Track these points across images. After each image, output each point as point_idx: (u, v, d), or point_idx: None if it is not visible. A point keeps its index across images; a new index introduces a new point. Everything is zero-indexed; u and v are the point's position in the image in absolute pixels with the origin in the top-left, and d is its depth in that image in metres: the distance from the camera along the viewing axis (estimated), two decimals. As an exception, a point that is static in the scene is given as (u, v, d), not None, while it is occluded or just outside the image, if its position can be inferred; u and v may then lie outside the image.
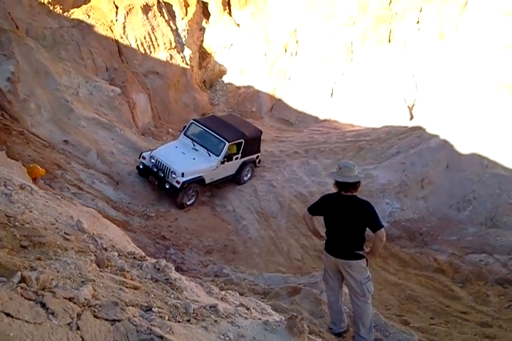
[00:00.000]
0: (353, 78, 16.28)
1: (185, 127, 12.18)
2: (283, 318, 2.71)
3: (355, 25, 16.43)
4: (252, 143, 12.24)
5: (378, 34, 16.22)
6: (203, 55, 19.03)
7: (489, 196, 10.16)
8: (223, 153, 11.46)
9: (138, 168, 11.58)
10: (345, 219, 4.44)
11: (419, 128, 12.86)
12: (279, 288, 6.20)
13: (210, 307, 2.38)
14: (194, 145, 11.63)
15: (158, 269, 2.70)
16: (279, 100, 17.12)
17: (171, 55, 16.92)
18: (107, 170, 11.94)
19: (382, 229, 4.36)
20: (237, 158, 11.90)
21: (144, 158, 11.34)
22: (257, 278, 7.11)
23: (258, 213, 11.34)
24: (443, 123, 12.20)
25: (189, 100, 17.11)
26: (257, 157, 12.78)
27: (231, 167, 11.91)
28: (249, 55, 18.13)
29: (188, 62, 17.50)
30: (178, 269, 8.41)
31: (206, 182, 11.48)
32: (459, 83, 13.34)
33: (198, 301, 2.52)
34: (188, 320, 2.19)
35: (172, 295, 2.41)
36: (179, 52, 17.24)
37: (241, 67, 18.40)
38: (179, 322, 2.13)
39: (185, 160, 11.16)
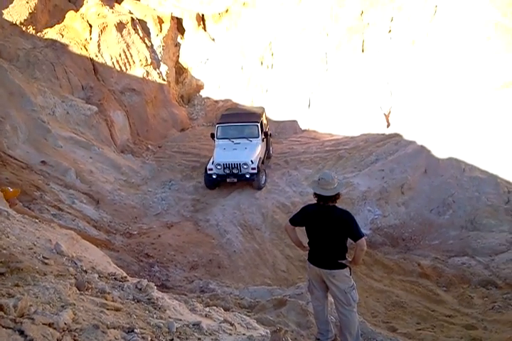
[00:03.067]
0: (329, 88, 16.49)
1: (213, 134, 13.32)
2: (268, 332, 2.71)
3: (329, 35, 16.71)
4: (262, 120, 13.90)
5: (351, 44, 16.51)
6: (180, 71, 19.11)
7: (468, 199, 10.33)
8: (260, 133, 13.15)
9: (210, 180, 12.63)
10: (326, 229, 4.47)
11: (396, 135, 13.07)
12: (265, 301, 6.18)
13: (194, 325, 2.37)
14: (233, 141, 13.00)
15: (140, 289, 2.68)
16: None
17: (147, 72, 16.96)
18: (86, 190, 11.82)
19: (363, 238, 4.41)
20: (264, 134, 13.46)
21: (211, 169, 12.47)
22: (242, 291, 7.08)
23: (242, 226, 11.31)
24: (419, 129, 12.42)
25: (167, 115, 17.12)
26: (268, 129, 14.48)
27: (264, 143, 13.54)
28: (226, 69, 18.26)
29: (165, 77, 17.56)
30: (163, 286, 8.36)
31: (263, 161, 13.11)
32: (433, 89, 13.62)
33: (181, 319, 2.51)
34: (172, 340, 2.18)
35: (155, 315, 2.40)
36: (155, 69, 17.29)
37: (218, 81, 18.51)
38: (162, 342, 2.12)
39: (242, 152, 12.61)
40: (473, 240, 9.59)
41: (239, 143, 12.96)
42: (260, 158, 12.81)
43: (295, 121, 16.81)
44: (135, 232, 10.87)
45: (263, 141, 13.34)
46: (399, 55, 15.48)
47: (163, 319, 2.41)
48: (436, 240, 9.90)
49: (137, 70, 16.76)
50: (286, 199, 12.11)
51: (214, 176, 12.40)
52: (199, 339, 2.25)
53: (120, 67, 16.37)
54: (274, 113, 16.78)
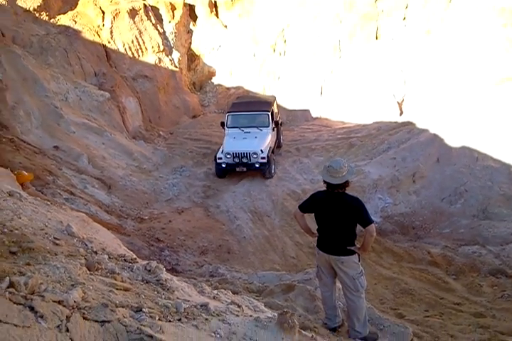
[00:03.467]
0: (342, 76, 16.34)
1: (223, 123, 13.30)
2: (275, 315, 2.74)
3: (342, 23, 16.50)
4: (273, 109, 13.84)
5: (365, 31, 16.30)
6: (192, 57, 19.07)
7: (480, 188, 10.24)
8: (271, 122, 13.07)
9: (219, 168, 12.61)
10: (335, 216, 4.47)
11: (408, 123, 12.96)
12: (273, 286, 6.22)
13: (201, 306, 2.41)
14: (243, 130, 12.96)
15: (149, 270, 2.72)
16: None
17: (159, 58, 16.95)
18: (98, 175, 11.94)
19: (372, 225, 4.40)
20: (274, 123, 13.40)
21: (220, 158, 12.43)
22: (251, 276, 7.14)
23: (252, 212, 11.36)
24: (432, 117, 12.29)
25: (179, 102, 17.13)
26: (279, 118, 14.50)
27: (275, 132, 13.51)
28: (238, 56, 18.16)
29: (177, 64, 17.53)
30: (172, 270, 8.46)
31: (273, 150, 13.05)
32: (447, 77, 13.42)
33: (189, 300, 2.55)
34: (179, 319, 2.22)
35: (163, 296, 2.44)
36: (167, 55, 17.27)
37: (230, 68, 18.44)
38: (170, 321, 2.16)
39: (252, 141, 12.52)
40: (485, 229, 9.53)
41: (249, 132, 12.88)
42: (270, 147, 12.73)
43: (307, 109, 16.71)
44: (146, 217, 10.98)
45: (273, 130, 13.26)
46: (413, 43, 15.25)
47: (171, 299, 2.45)
48: (447, 229, 9.86)
49: (149, 57, 16.76)
50: (297, 187, 12.12)
51: (223, 165, 12.38)
52: (206, 319, 2.29)
53: (132, 53, 16.38)
54: (286, 100, 16.70)
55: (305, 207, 4.75)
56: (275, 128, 13.37)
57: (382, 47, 15.82)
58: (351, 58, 16.35)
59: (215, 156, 12.59)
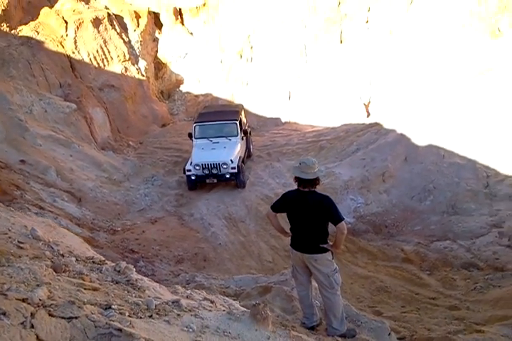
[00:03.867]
0: (309, 80, 16.54)
1: (190, 134, 13.07)
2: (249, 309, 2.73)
3: (307, 27, 16.74)
4: (241, 117, 13.65)
5: (330, 35, 16.58)
6: (159, 66, 18.99)
7: (448, 185, 10.48)
8: (239, 131, 12.87)
9: (190, 181, 12.29)
10: (306, 215, 4.50)
11: (376, 124, 13.19)
12: (250, 289, 6.19)
13: (173, 302, 2.37)
14: (211, 140, 12.74)
15: (119, 271, 2.67)
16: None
17: (125, 68, 16.81)
18: (67, 188, 11.68)
19: (343, 222, 4.44)
20: (243, 132, 13.19)
21: (189, 170, 12.12)
22: (227, 281, 7.10)
23: (226, 219, 11.31)
24: (398, 117, 12.55)
25: (147, 111, 17.00)
26: (248, 127, 14.28)
27: (244, 142, 13.34)
28: (205, 63, 18.19)
29: (144, 73, 17.42)
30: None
31: (243, 160, 12.79)
32: (411, 78, 13.76)
33: (160, 298, 2.51)
34: (150, 316, 2.18)
35: (133, 294, 2.39)
36: (134, 64, 17.14)
37: (198, 75, 18.44)
38: (141, 318, 2.12)
39: (221, 152, 12.26)
40: (455, 224, 9.74)
41: (218, 143, 12.60)
42: (240, 156, 12.48)
43: (276, 114, 16.82)
44: (119, 229, 10.79)
45: (242, 139, 13.05)
46: (377, 44, 15.60)
47: (142, 298, 2.41)
48: (419, 226, 10.04)
49: (115, 66, 16.61)
50: (270, 191, 12.13)
51: (193, 177, 12.07)
52: (178, 315, 2.26)
53: (98, 63, 16.20)
54: (255, 106, 16.78)
55: (277, 207, 4.77)
56: (244, 138, 13.20)
57: (347, 50, 16.12)
58: (317, 62, 16.58)
59: (184, 168, 12.29)
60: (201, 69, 18.23)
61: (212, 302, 2.64)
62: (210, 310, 2.44)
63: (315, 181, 4.48)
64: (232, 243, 10.49)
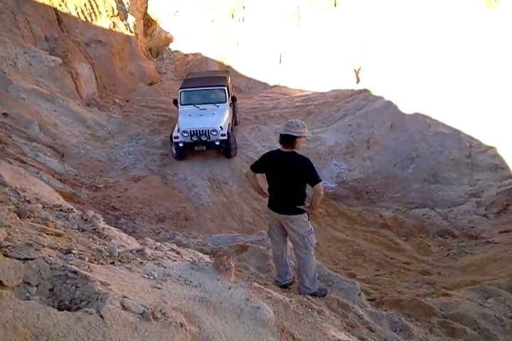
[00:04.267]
0: (300, 43, 16.23)
1: (175, 100, 12.58)
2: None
3: (302, -11, 16.26)
4: (228, 83, 13.21)
5: (324, -2, 16.15)
6: (148, 23, 18.46)
7: (431, 153, 10.54)
8: (228, 97, 12.49)
9: (177, 148, 11.85)
10: (285, 175, 4.52)
11: (364, 90, 13.08)
12: (227, 247, 6.30)
13: (137, 251, 2.39)
14: (198, 107, 12.31)
15: (86, 220, 2.67)
16: (228, 67, 16.89)
17: (113, 23, 16.30)
18: (50, 143, 11.55)
19: (320, 184, 4.46)
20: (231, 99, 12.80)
21: (177, 137, 11.69)
22: (205, 239, 7.19)
23: (210, 180, 11.34)
24: (387, 85, 12.44)
25: (135, 69, 16.64)
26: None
27: (231, 109, 12.83)
28: (196, 22, 17.70)
29: (132, 29, 16.92)
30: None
31: (231, 128, 12.39)
32: (402, 45, 13.54)
33: (125, 247, 2.52)
34: (112, 263, 2.20)
35: (98, 242, 2.40)
36: (122, 20, 16.62)
37: (188, 34, 17.98)
38: (102, 264, 2.13)
39: (210, 118, 11.88)
40: (434, 192, 9.87)
41: (205, 109, 12.20)
42: (229, 124, 12.21)
43: (266, 77, 16.57)
44: (101, 186, 10.77)
45: (231, 106, 12.68)
46: (371, 10, 15.23)
47: (106, 246, 2.42)
48: (399, 193, 10.16)
49: (103, 21, 16.09)
50: (255, 154, 12.08)
51: (181, 144, 11.66)
52: (141, 263, 2.28)
53: (85, 17, 15.67)
54: (245, 68, 16.50)
55: (257, 167, 4.79)
56: (232, 104, 12.82)
57: (341, 14, 15.77)
58: (310, 25, 16.22)
59: (171, 136, 11.88)
60: (192, 28, 17.76)
61: (178, 253, 2.66)
62: (174, 260, 2.47)
63: (296, 141, 4.48)
64: (215, 203, 10.56)
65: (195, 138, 11.61)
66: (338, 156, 11.19)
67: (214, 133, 11.55)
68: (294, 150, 4.55)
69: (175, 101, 12.61)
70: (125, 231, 9.08)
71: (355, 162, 10.98)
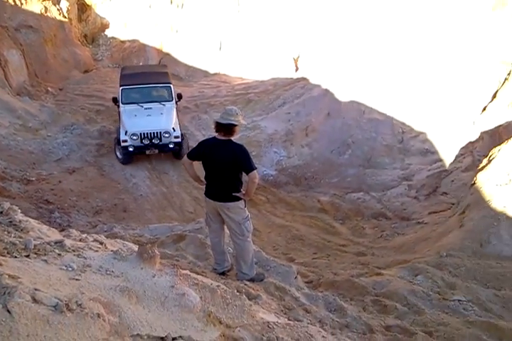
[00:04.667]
0: (240, 30, 16.15)
1: (115, 98, 11.59)
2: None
3: (240, -25, 16.13)
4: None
5: (263, -15, 16.09)
6: (83, 8, 17.69)
7: (366, 140, 10.93)
8: (174, 95, 11.63)
9: (127, 153, 10.87)
10: (221, 163, 4.55)
11: (303, 79, 13.27)
12: (164, 237, 6.25)
13: (56, 242, 2.32)
14: (142, 106, 11.33)
15: (1, 212, 2.56)
16: (167, 54, 16.57)
17: (45, 7, 15.50)
18: (-23, 134, 10.93)
19: (255, 171, 4.52)
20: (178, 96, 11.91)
21: (126, 141, 10.69)
22: (142, 230, 7.10)
23: (149, 170, 11.15)
24: (324, 73, 12.67)
25: (69, 56, 15.94)
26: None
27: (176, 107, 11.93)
28: (133, 7, 17.16)
29: (66, 14, 16.17)
30: (63, 231, 8.12)
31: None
32: (340, 34, 13.78)
33: (42, 239, 2.45)
34: (27, 255, 2.13)
35: (13, 235, 2.31)
36: (55, 4, 15.85)
37: (124, 20, 17.40)
38: (15, 257, 2.06)
39: (160, 118, 11.04)
40: (369, 177, 10.26)
41: (151, 108, 11.28)
42: (180, 125, 11.48)
43: (206, 64, 16.40)
44: (33, 179, 10.32)
45: (177, 104, 11.82)
46: (309, -2, 15.37)
47: (22, 238, 2.34)
48: (336, 178, 10.47)
49: (34, 6, 15.25)
50: (196, 143, 11.95)
51: (131, 149, 10.70)
52: (59, 254, 2.22)
53: (14, 1, 14.82)
54: (185, 55, 16.24)
55: (193, 155, 4.79)
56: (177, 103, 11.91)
57: (281, 2, 15.79)
58: (250, 12, 16.17)
59: (118, 139, 10.88)
60: (129, 14, 17.20)
61: (101, 243, 2.61)
62: (96, 251, 2.42)
63: (231, 128, 4.51)
64: (154, 194, 10.42)
65: (146, 142, 10.71)
66: (277, 144, 11.34)
67: (166, 135, 10.74)
68: (231, 138, 4.58)
69: (114, 100, 11.64)
70: (60, 225, 8.84)
71: (294, 149, 11.17)
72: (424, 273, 6.03)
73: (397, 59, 11.92)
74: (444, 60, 10.98)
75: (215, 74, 16.34)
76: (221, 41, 16.62)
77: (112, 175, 10.94)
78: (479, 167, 7.13)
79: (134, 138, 10.69)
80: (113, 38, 17.58)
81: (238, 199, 4.67)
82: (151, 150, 10.90)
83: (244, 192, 4.69)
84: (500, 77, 10.14)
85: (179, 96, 11.86)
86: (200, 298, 2.64)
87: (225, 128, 4.48)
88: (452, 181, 8.71)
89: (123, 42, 17.30)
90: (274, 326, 2.90)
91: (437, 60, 11.14)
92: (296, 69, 15.10)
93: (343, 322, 4.79)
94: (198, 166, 4.86)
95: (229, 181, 4.63)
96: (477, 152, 8.61)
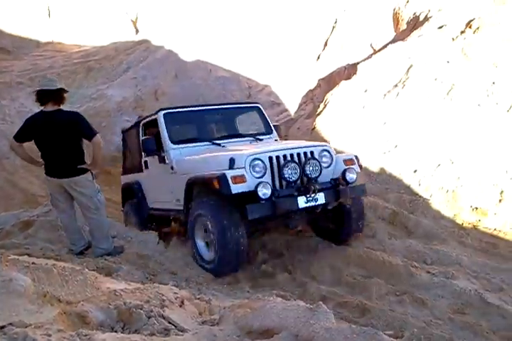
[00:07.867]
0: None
1: None
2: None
3: None
4: None
5: None
6: None
7: (216, 97, 10.98)
8: None
9: None
10: (56, 136, 4.17)
11: (145, 41, 12.75)
12: (9, 227, 5.74)
13: None
14: None
15: None
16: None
17: None
18: None
19: (98, 136, 4.21)
20: None
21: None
22: (-18, 223, 6.42)
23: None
24: (166, 33, 12.30)
25: None
26: None
27: None
28: None
29: None
30: None
31: None
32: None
33: None
34: None
35: None
36: None
37: None
38: None
39: None
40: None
41: None
42: None
43: (35, 33, 14.85)
44: None
45: None
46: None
47: None
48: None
49: None
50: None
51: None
52: None
53: None
54: (8, 24, 14.50)
55: (21, 136, 4.31)
56: None
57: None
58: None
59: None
60: None
61: None
62: None
63: (61, 95, 4.16)
64: (-3, 182, 9.48)
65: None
66: (128, 111, 10.89)
67: None
68: (61, 107, 4.22)
69: None
70: None
71: (147, 115, 10.84)
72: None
73: (240, 14, 12.00)
74: (277, 12, 11.30)
75: (48, 43, 14.91)
76: (49, 6, 15.11)
77: None
78: (317, 112, 7.59)
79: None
80: None
81: (85, 171, 4.36)
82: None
83: (90, 162, 4.39)
84: (330, 25, 10.73)
85: None
86: (33, 280, 2.47)
87: (55, 95, 4.13)
88: (298, 128, 9.14)
89: None
90: (122, 292, 2.84)
91: (270, 14, 11.43)
92: (137, 32, 14.41)
93: (208, 276, 4.91)
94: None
95: (70, 154, 4.30)
96: (317, 98, 9.13)
